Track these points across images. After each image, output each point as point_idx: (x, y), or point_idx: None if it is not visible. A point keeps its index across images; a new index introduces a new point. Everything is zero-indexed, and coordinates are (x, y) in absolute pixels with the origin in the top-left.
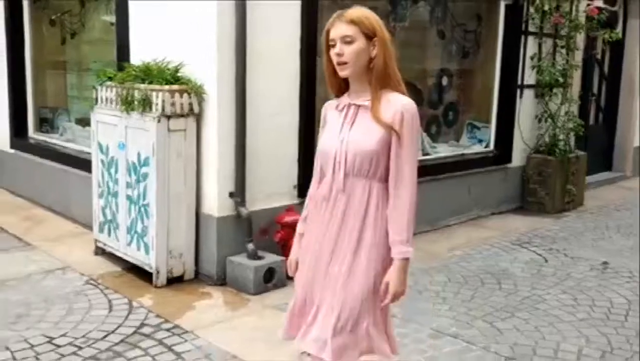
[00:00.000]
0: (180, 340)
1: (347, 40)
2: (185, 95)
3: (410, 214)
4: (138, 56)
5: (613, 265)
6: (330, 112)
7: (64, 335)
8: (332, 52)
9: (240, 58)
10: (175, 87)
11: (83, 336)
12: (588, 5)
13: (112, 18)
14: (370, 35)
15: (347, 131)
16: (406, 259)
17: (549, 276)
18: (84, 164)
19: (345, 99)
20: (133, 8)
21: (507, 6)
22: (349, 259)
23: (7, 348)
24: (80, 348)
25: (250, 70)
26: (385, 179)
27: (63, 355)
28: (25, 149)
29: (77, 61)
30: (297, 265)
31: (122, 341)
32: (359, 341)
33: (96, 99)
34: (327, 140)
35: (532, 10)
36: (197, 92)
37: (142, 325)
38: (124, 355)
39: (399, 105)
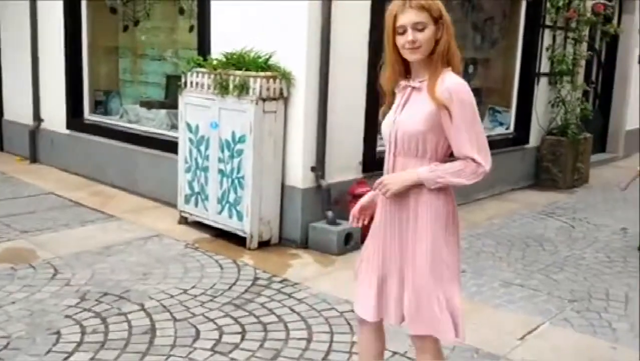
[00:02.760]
0: (294, 289)
1: (419, 28)
2: (277, 81)
3: (454, 173)
4: (218, 46)
5: (630, 230)
6: (397, 94)
7: (194, 287)
8: (401, 38)
9: (324, 48)
10: (269, 73)
11: (211, 288)
12: (594, 2)
13: (189, 11)
14: (437, 19)
15: (399, 112)
16: (414, 181)
17: (579, 239)
18: (151, 142)
19: (405, 81)
20: (215, 6)
21: (528, 2)
22: (409, 239)
23: (152, 298)
24: (214, 296)
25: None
26: (437, 159)
27: (203, 302)
28: (82, 129)
29: (137, 47)
30: (361, 213)
31: (246, 291)
32: (425, 319)
33: (185, 83)
34: (385, 122)
35: (548, 5)
36: (287, 78)
37: (256, 278)
38: (254, 301)
39: (447, 84)
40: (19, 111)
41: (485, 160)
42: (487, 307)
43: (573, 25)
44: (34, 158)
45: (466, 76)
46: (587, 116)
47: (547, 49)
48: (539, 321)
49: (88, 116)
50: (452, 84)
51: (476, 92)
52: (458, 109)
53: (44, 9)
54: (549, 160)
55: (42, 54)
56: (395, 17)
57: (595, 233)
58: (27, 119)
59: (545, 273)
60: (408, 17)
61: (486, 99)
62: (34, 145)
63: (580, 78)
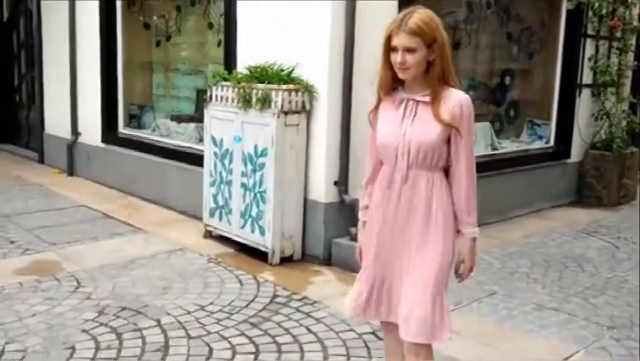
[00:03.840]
0: (313, 308)
1: (410, 50)
2: (299, 94)
3: (471, 199)
4: (244, 60)
5: None
6: (386, 106)
7: (212, 303)
8: (393, 56)
9: (347, 60)
10: (291, 86)
11: (229, 305)
12: None
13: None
14: (430, 43)
15: (408, 124)
16: (474, 239)
17: (624, 260)
18: (178, 156)
19: (400, 94)
20: (241, 20)
21: (568, 11)
22: (419, 245)
23: (168, 314)
24: (230, 314)
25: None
26: (444, 169)
27: (219, 319)
28: (116, 143)
29: (169, 62)
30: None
31: (263, 308)
32: (433, 321)
33: (210, 97)
34: (388, 133)
35: (590, 14)
36: (309, 91)
37: (275, 295)
38: (271, 320)
39: (456, 101)
40: (58, 125)
41: None
42: (517, 332)
43: (618, 34)
44: (71, 171)
45: (503, 88)
46: (634, 129)
47: (590, 60)
48: (574, 349)
49: (122, 129)
50: (463, 98)
51: (514, 104)
52: (467, 123)
53: (82, 26)
54: (593, 176)
55: (79, 70)
56: (390, 38)
57: None
58: (66, 133)
59: (584, 296)
60: (400, 40)
61: (524, 111)
62: (72, 158)
63: (626, 90)
